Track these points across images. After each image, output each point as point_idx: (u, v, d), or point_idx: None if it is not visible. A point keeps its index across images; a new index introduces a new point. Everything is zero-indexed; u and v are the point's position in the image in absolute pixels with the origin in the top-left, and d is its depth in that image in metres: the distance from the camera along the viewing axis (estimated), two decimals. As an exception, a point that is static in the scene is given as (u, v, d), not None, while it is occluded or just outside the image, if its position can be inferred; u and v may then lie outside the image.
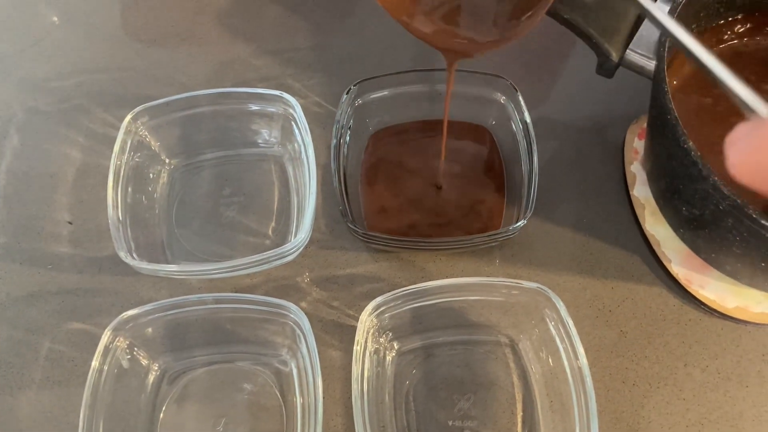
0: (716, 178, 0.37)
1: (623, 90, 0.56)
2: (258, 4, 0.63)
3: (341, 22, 0.62)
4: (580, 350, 0.41)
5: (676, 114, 0.39)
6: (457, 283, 0.43)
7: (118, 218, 0.47)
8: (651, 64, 0.45)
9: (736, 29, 0.49)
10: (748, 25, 0.49)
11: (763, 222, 0.36)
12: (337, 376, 0.46)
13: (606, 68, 0.46)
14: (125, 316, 0.43)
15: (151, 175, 0.52)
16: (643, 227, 0.50)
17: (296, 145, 0.51)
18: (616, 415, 0.45)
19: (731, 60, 0.49)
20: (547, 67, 0.60)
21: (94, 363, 0.42)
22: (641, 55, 0.45)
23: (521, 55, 0.60)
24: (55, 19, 0.64)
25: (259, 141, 0.54)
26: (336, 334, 0.48)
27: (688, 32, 0.31)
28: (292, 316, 0.43)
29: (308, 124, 0.50)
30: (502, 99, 0.51)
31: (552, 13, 0.43)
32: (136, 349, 0.45)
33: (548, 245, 0.51)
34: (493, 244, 0.49)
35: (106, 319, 0.44)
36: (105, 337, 0.43)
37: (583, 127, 0.56)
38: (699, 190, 0.39)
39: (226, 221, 0.52)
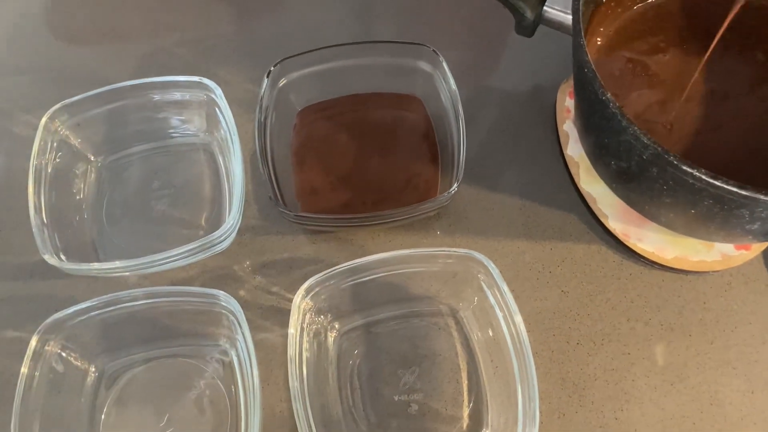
0: (636, 128, 0.37)
1: (554, 49, 0.55)
2: (177, -8, 0.61)
3: (265, 4, 0.61)
4: (516, 312, 0.41)
5: (593, 67, 0.39)
6: (390, 256, 0.43)
7: (42, 221, 0.46)
8: (569, 19, 0.44)
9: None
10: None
11: (684, 167, 0.36)
12: (281, 361, 0.46)
13: (524, 27, 0.45)
14: (54, 319, 0.42)
15: (76, 174, 0.50)
16: (578, 185, 0.49)
17: (222, 132, 0.49)
18: (561, 375, 0.45)
19: (653, 19, 0.49)
20: (476, 33, 0.59)
21: (24, 369, 0.41)
22: (558, 10, 0.45)
23: (449, 22, 0.59)
24: (-28, 22, 0.62)
25: (186, 130, 0.52)
26: (276, 320, 0.47)
27: None
28: (224, 304, 0.42)
29: (237, 108, 0.49)
30: (428, 67, 0.50)
31: (463, -25, 0.43)
32: (69, 351, 0.43)
33: (485, 212, 0.50)
34: (430, 214, 0.48)
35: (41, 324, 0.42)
36: (33, 342, 0.41)
37: (515, 90, 0.55)
38: (622, 142, 0.39)
39: (158, 215, 0.50)
